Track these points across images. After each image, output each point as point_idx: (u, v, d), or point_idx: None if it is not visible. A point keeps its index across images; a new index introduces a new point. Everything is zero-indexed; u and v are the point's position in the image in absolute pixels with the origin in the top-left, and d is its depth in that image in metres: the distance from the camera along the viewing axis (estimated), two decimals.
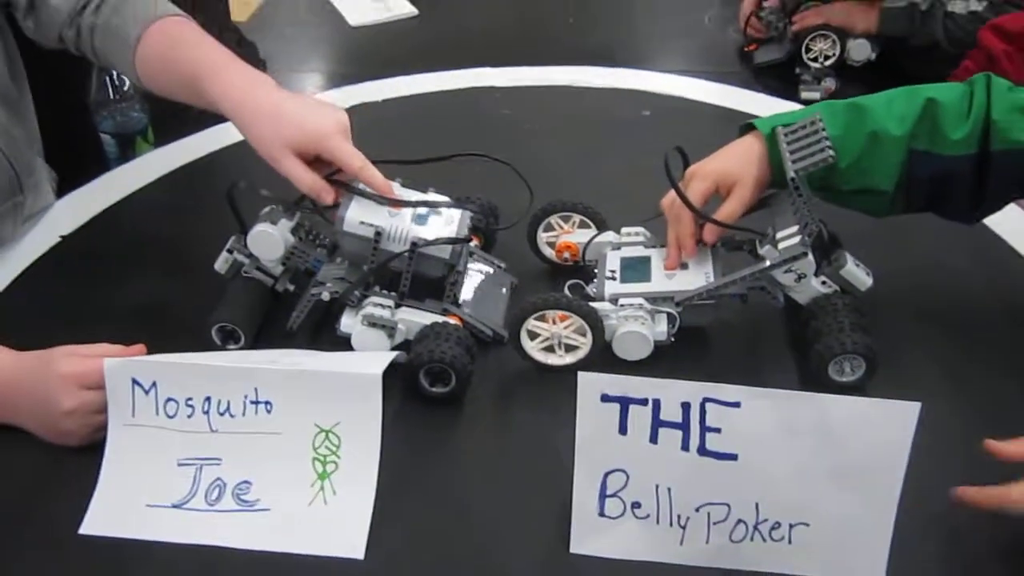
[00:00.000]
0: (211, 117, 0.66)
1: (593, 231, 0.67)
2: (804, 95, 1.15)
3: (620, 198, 0.69)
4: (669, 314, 0.59)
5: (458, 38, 1.34)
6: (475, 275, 0.65)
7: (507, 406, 0.60)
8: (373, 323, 0.59)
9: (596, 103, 0.96)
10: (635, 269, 0.62)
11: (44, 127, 0.81)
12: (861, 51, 1.14)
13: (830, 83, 1.15)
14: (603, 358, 0.59)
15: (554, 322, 0.59)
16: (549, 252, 0.69)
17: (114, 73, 0.87)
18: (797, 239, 0.57)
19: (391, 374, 0.52)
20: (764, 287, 0.59)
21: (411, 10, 1.42)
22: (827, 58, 1.15)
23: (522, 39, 1.34)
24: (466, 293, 0.63)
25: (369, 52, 1.32)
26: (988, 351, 0.62)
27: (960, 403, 0.58)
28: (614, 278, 0.62)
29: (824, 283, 0.60)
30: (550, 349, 0.60)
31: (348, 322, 0.60)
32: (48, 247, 0.74)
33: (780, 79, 1.18)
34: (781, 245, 0.58)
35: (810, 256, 0.57)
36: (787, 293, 0.60)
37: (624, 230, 0.66)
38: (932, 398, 0.51)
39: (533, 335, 0.60)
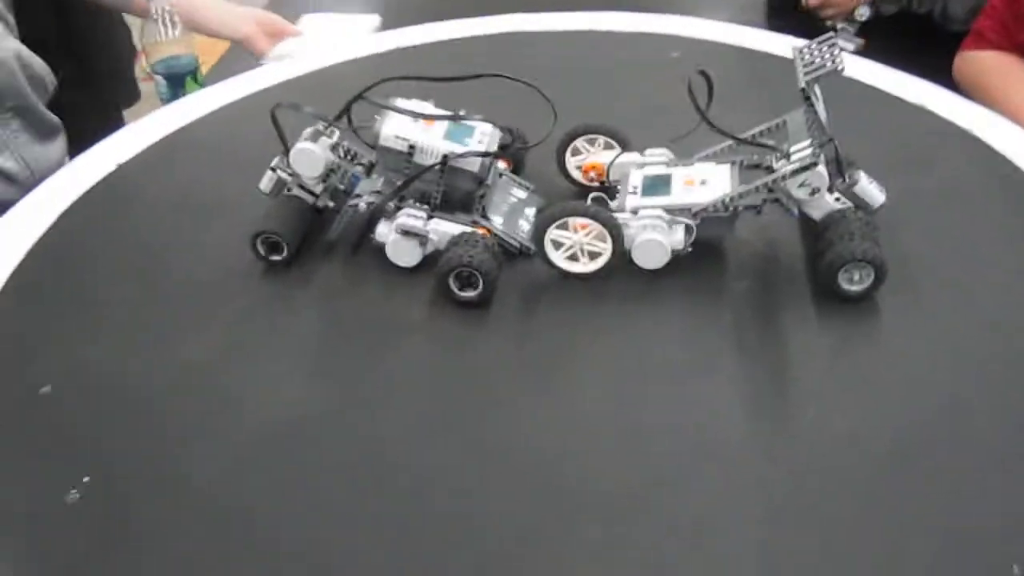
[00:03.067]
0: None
1: (618, 152, 0.70)
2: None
3: (645, 126, 0.72)
4: (687, 225, 0.62)
5: None
6: (505, 195, 0.69)
7: (532, 314, 0.63)
8: (406, 232, 0.63)
9: (625, 46, 0.98)
10: (656, 185, 0.65)
11: (100, 67, 0.87)
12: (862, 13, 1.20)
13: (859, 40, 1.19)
14: (623, 268, 0.63)
15: (576, 230, 0.62)
16: (577, 174, 0.72)
17: (165, 15, 0.92)
18: (809, 151, 0.60)
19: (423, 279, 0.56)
20: (779, 200, 0.62)
21: None
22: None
23: None
24: (496, 211, 0.67)
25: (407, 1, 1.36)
26: (994, 270, 0.64)
27: (965, 314, 0.60)
28: (636, 193, 0.65)
29: (838, 199, 0.63)
30: (573, 258, 0.64)
31: (383, 231, 0.64)
32: (107, 172, 0.79)
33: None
34: (794, 157, 0.60)
35: (821, 168, 0.59)
36: (803, 209, 0.63)
37: (648, 151, 0.69)
38: (937, 309, 0.54)
39: (557, 245, 0.63)
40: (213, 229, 0.72)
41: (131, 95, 1.17)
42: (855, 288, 0.61)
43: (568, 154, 0.72)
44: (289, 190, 0.67)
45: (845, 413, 0.53)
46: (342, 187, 0.67)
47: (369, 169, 0.67)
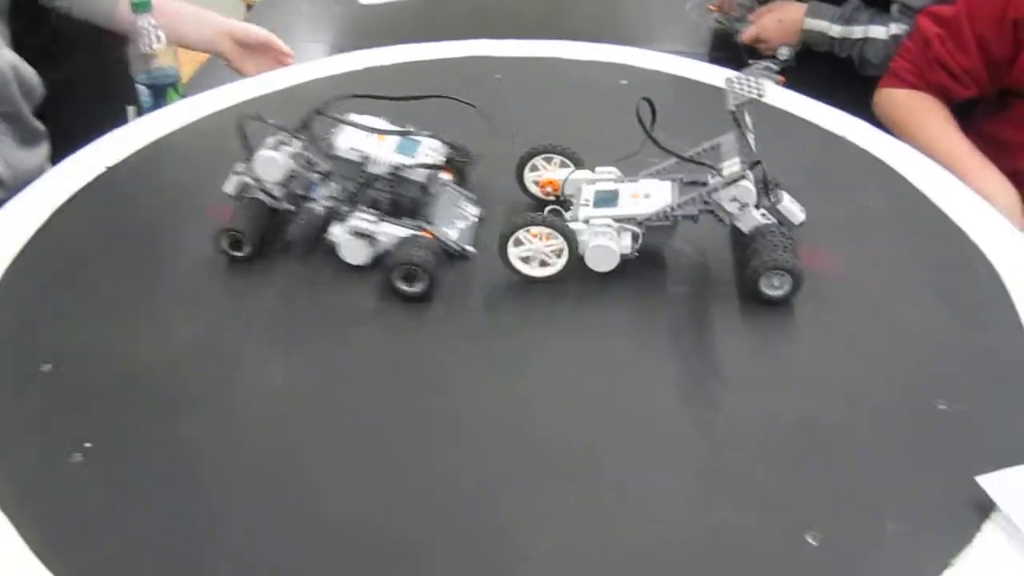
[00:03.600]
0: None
1: (571, 169, 0.78)
2: None
3: (598, 147, 0.80)
4: (633, 232, 0.70)
5: (459, 16, 1.45)
6: (449, 203, 0.77)
7: (470, 310, 0.70)
8: (357, 233, 0.70)
9: (579, 73, 1.07)
10: (606, 198, 0.73)
11: (88, 76, 0.93)
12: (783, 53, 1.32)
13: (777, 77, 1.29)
14: (577, 271, 0.70)
15: (534, 239, 0.70)
16: (535, 189, 0.80)
17: (151, 30, 0.98)
18: (738, 166, 0.68)
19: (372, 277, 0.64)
20: (713, 211, 0.70)
21: None
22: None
23: (517, 19, 1.46)
24: (440, 217, 0.74)
25: (377, 28, 1.43)
26: (903, 281, 0.73)
27: (868, 318, 0.69)
28: (588, 204, 0.73)
29: (764, 215, 0.71)
30: (533, 264, 0.71)
31: (336, 232, 0.71)
32: (95, 175, 0.85)
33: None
34: (724, 172, 0.69)
35: (747, 183, 0.68)
36: (734, 223, 0.71)
37: (598, 169, 0.77)
38: (844, 313, 0.62)
39: (519, 248, 0.71)
40: (192, 227, 0.78)
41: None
42: (775, 293, 0.69)
43: (527, 171, 0.80)
44: (252, 193, 0.73)
45: (761, 397, 0.62)
46: (300, 192, 0.73)
47: (325, 177, 0.74)
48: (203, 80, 1.26)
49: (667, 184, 0.73)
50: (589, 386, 0.63)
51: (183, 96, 1.02)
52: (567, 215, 0.73)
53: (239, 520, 0.54)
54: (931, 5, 1.12)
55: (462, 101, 0.74)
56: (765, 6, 1.36)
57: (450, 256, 0.73)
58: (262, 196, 0.73)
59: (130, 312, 0.69)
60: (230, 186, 0.74)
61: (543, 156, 0.79)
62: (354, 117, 0.72)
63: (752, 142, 0.69)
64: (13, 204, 0.81)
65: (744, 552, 0.52)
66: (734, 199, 0.69)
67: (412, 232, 0.71)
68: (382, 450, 0.58)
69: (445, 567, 0.51)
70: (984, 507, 0.54)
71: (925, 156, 0.90)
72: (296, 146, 0.72)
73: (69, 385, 0.63)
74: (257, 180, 0.72)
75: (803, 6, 1.29)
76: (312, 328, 0.68)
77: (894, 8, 1.21)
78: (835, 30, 1.24)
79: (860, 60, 1.24)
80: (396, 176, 0.71)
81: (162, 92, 1.01)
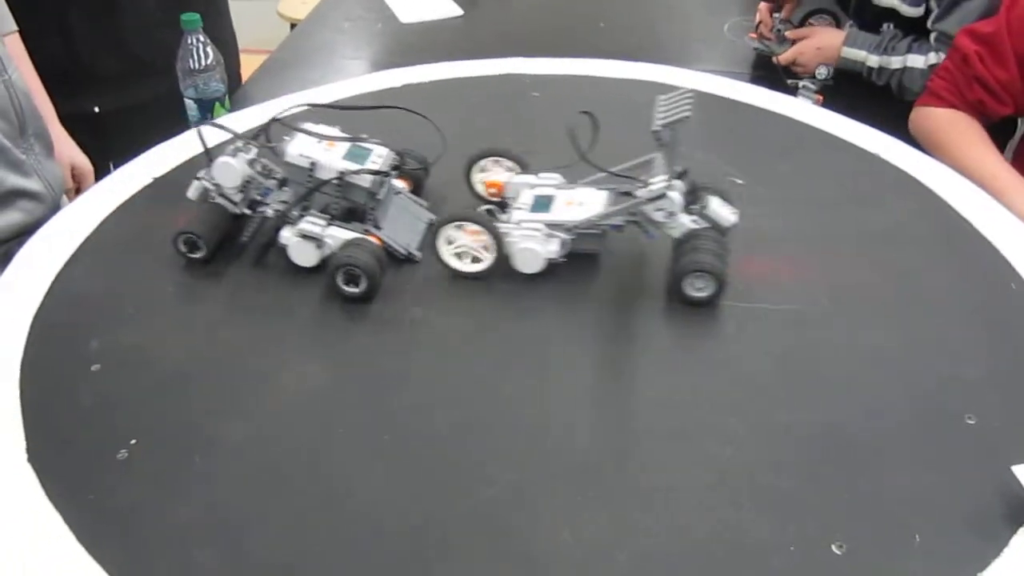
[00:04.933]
0: None
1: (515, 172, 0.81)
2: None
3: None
4: (562, 239, 0.73)
5: (497, 35, 1.48)
6: (400, 209, 0.79)
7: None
8: (305, 236, 0.72)
9: (616, 90, 1.08)
10: (542, 203, 0.75)
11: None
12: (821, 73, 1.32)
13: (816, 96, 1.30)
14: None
15: (470, 235, 0.72)
16: (481, 189, 0.83)
17: (199, 46, 1.02)
18: (662, 184, 0.69)
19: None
20: (638, 222, 0.72)
21: (457, 11, 1.56)
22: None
23: (555, 38, 1.48)
24: (389, 222, 0.77)
25: (417, 45, 1.46)
26: (932, 294, 0.74)
27: (905, 332, 0.70)
28: (523, 208, 0.75)
29: (694, 220, 0.72)
30: (462, 258, 0.74)
31: (286, 235, 0.73)
32: (143, 186, 0.88)
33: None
34: (649, 187, 0.70)
35: (671, 196, 0.69)
36: (664, 230, 0.72)
37: (541, 174, 0.79)
38: (879, 328, 0.63)
39: (450, 244, 0.73)
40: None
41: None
42: (699, 295, 0.70)
43: (476, 172, 0.83)
44: (213, 198, 0.76)
45: (786, 404, 0.63)
46: (258, 197, 0.76)
47: (282, 183, 0.76)
48: (249, 94, 1.29)
49: (603, 194, 0.74)
50: (604, 387, 0.64)
51: (229, 110, 1.05)
52: (503, 216, 0.75)
53: (276, 507, 0.56)
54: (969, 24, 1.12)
55: (415, 112, 0.78)
56: (804, 28, 1.37)
57: (396, 259, 0.75)
58: (222, 201, 0.76)
59: (168, 319, 0.72)
60: (192, 191, 0.76)
61: (493, 159, 0.82)
62: (307, 126, 0.75)
63: (672, 161, 0.70)
64: (63, 215, 0.84)
65: (766, 560, 0.53)
66: (660, 209, 0.70)
67: (357, 235, 0.73)
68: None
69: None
70: (1015, 518, 0.54)
71: (960, 174, 0.90)
72: (252, 153, 0.75)
73: (116, 385, 0.65)
74: (216, 185, 0.74)
75: (842, 33, 1.29)
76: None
77: (932, 36, 1.21)
78: (873, 60, 1.24)
79: (899, 88, 1.24)
80: (343, 182, 0.73)
81: (209, 106, 1.04)
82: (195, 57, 1.02)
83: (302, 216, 0.73)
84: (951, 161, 0.99)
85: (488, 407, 0.63)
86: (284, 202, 0.75)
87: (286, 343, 0.69)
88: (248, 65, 1.49)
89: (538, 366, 0.66)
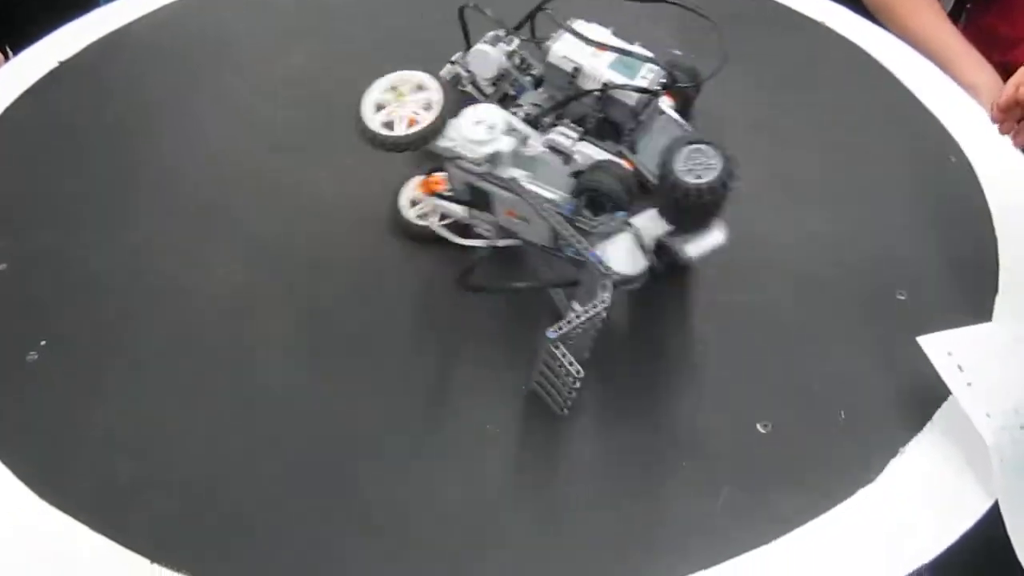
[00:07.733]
0: None
1: None
2: None
3: None
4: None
5: None
6: (661, 133, 0.66)
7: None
8: (553, 147, 0.63)
9: None
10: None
11: None
12: None
13: None
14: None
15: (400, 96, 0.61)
16: None
17: None
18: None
19: None
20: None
21: None
22: None
23: None
24: (645, 147, 0.65)
25: None
26: (872, 171, 0.72)
27: (840, 209, 0.68)
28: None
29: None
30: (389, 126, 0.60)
31: (533, 143, 0.63)
32: (48, 70, 0.82)
33: None
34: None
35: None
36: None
37: None
38: (814, 205, 0.60)
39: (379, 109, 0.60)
40: (146, 128, 0.76)
41: None
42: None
43: None
44: (462, 86, 0.68)
45: (715, 287, 0.62)
46: (512, 93, 0.68)
47: (539, 83, 0.67)
48: None
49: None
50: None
51: None
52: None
53: (194, 411, 0.54)
54: None
55: (699, 13, 0.65)
56: None
57: (646, 189, 0.63)
58: (472, 90, 0.68)
59: (84, 215, 0.68)
60: (445, 72, 0.68)
61: None
62: (577, 24, 0.65)
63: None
64: None
65: (700, 444, 0.53)
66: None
67: (611, 157, 0.63)
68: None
69: None
70: (937, 397, 0.55)
71: (907, 42, 0.88)
72: (513, 44, 0.67)
73: (24, 286, 0.62)
74: (469, 72, 0.68)
75: None
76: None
77: None
78: None
79: None
80: (605, 95, 0.63)
81: None
82: None
83: (555, 125, 0.64)
84: (899, 29, 0.96)
85: None
86: (536, 104, 0.66)
87: (209, 244, 0.66)
88: None
89: None
